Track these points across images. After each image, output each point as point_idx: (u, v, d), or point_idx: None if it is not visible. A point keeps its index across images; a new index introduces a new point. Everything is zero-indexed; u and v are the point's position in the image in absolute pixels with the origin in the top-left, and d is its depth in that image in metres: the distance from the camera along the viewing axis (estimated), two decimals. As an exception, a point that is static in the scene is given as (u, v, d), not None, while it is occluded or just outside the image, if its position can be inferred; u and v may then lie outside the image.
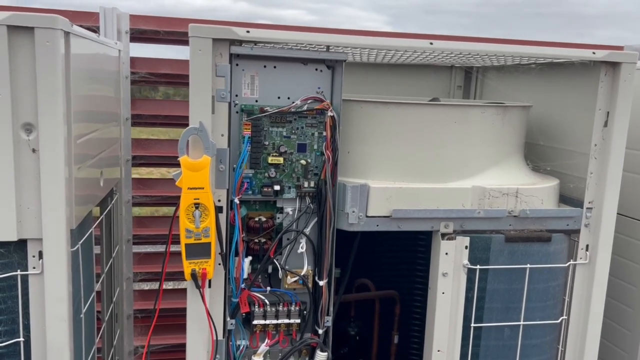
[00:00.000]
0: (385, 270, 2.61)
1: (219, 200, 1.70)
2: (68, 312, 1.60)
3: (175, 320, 3.17)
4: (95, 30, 2.81)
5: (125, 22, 2.93)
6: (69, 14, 2.99)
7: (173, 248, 1.78)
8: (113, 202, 2.44)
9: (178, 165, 1.58)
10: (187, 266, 1.62)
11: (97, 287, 2.32)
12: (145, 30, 3.06)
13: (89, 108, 1.85)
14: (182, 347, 1.84)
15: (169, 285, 3.51)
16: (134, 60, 3.00)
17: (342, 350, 2.59)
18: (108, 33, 2.84)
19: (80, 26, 2.68)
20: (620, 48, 3.11)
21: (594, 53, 1.84)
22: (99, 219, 2.15)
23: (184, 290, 1.75)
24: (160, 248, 3.35)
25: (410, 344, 2.56)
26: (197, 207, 1.58)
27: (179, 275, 3.00)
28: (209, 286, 1.71)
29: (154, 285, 3.62)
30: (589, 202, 1.95)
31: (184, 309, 1.76)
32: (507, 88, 2.52)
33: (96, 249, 2.44)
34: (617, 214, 1.97)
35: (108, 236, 2.44)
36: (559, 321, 2.02)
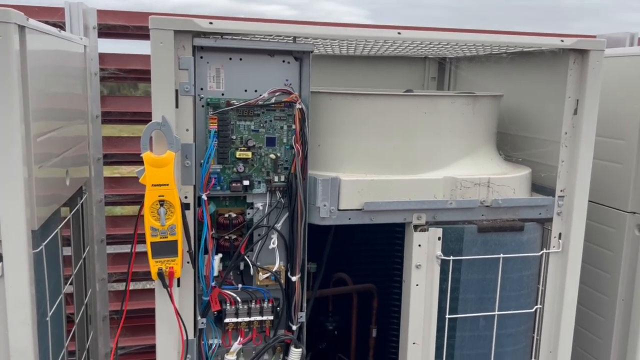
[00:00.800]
0: (362, 263, 2.60)
1: (186, 197, 1.66)
2: (31, 316, 1.55)
3: (152, 321, 3.13)
4: (61, 26, 2.74)
5: (93, 18, 2.86)
6: (34, 9, 2.91)
7: (143, 248, 1.75)
8: (82, 201, 2.38)
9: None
10: (154, 265, 1.58)
11: (68, 288, 2.27)
12: (114, 25, 2.99)
13: (50, 105, 1.80)
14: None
15: (142, 285, 3.46)
16: (102, 57, 2.94)
17: (320, 345, 2.57)
18: (74, 29, 2.77)
19: (46, 22, 2.61)
20: (592, 37, 3.13)
21: (562, 41, 1.83)
22: (66, 219, 2.09)
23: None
24: (137, 248, 3.29)
25: (388, 337, 2.55)
26: (162, 205, 1.54)
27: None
28: (178, 285, 1.68)
29: (131, 286, 3.56)
30: (561, 191, 1.95)
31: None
32: (479, 78, 2.51)
33: (68, 250, 2.39)
34: (589, 201, 1.98)
35: (78, 237, 2.39)
36: (533, 310, 2.02)
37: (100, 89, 2.91)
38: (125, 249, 3.29)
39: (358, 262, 2.61)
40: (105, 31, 2.96)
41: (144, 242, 1.74)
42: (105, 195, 2.99)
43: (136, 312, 3.14)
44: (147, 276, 3.20)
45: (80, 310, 2.39)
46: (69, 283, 2.17)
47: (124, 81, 3.13)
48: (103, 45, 2.94)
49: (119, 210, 3.58)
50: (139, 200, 3.17)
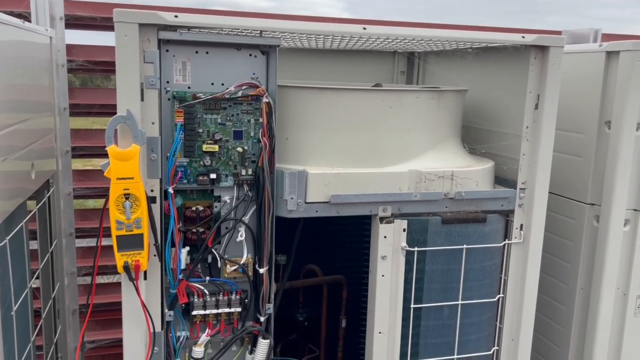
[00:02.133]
0: (332, 255, 2.63)
1: (152, 190, 1.66)
2: (-5, 310, 1.54)
3: (121, 314, 3.12)
4: (26, 16, 2.70)
5: (60, 8, 2.82)
6: (-3, -1, 2.86)
7: (110, 241, 1.74)
8: (49, 194, 2.36)
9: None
10: (120, 258, 1.58)
11: (35, 283, 2.25)
12: (81, 16, 2.95)
13: (13, 97, 1.77)
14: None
15: (111, 279, 3.43)
16: (70, 48, 2.90)
17: (290, 336, 2.60)
18: (40, 19, 2.73)
19: (11, 12, 2.56)
20: (559, 33, 3.20)
21: (523, 37, 1.88)
22: (32, 213, 2.07)
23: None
24: (105, 241, 3.26)
25: (358, 327, 2.59)
26: (127, 198, 1.54)
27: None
28: (145, 278, 1.68)
29: (101, 279, 3.54)
30: (522, 183, 2.01)
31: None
32: (447, 73, 2.56)
33: (34, 244, 2.37)
34: (551, 193, 2.04)
35: (45, 230, 2.37)
36: (495, 299, 2.08)
37: (72, 80, 2.87)
38: (93, 242, 3.26)
39: (328, 254, 2.64)
40: (73, 22, 2.92)
41: (110, 234, 1.73)
42: (74, 188, 2.96)
43: (106, 305, 3.13)
44: (116, 270, 3.18)
45: (48, 305, 2.37)
46: (35, 277, 2.15)
47: (93, 73, 3.10)
48: (70, 37, 2.90)
49: (91, 203, 3.54)
50: (102, 194, 3.15)
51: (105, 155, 1.53)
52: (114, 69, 3.14)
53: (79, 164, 3.18)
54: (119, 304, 3.15)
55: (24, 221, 1.89)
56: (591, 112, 2.22)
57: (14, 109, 1.77)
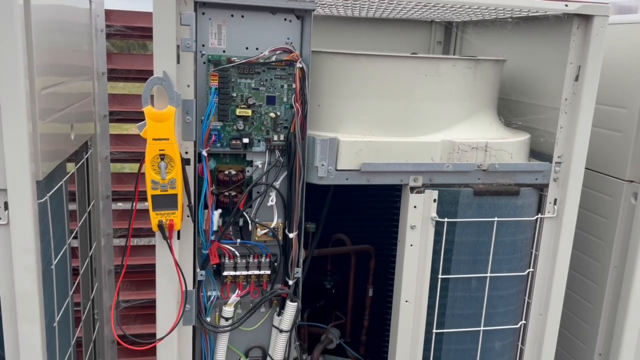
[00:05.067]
0: (361, 225, 2.64)
1: (186, 153, 1.69)
2: (36, 263, 1.61)
3: (154, 276, 3.21)
4: (67, -19, 2.73)
5: (99, -27, 2.85)
6: (39, -36, 2.90)
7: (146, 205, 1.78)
8: (87, 156, 2.42)
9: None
10: (154, 217, 1.63)
11: (73, 243, 2.34)
12: (120, -19, 2.98)
13: (54, 61, 1.81)
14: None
15: (146, 241, 3.53)
16: (108, 13, 2.94)
17: (318, 303, 2.64)
18: (80, -16, 2.76)
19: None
20: (604, 3, 3.08)
21: (566, 5, 1.82)
22: (71, 173, 2.14)
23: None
24: (140, 204, 3.36)
25: (384, 297, 2.61)
26: (162, 159, 1.58)
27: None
28: (178, 238, 1.73)
29: (135, 242, 3.64)
30: (558, 157, 1.97)
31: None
32: (485, 44, 2.49)
33: (73, 207, 2.45)
34: (586, 169, 1.99)
35: (83, 191, 2.44)
36: (525, 273, 2.06)
37: (108, 46, 2.92)
38: (129, 205, 3.35)
39: (357, 224, 2.65)
40: (112, -13, 2.95)
41: (146, 199, 1.78)
42: (111, 152, 3.03)
43: (140, 267, 3.23)
44: (150, 232, 3.27)
45: (85, 263, 2.46)
46: (72, 236, 2.23)
47: (130, 39, 3.14)
48: (109, 2, 2.94)
49: (126, 167, 3.63)
50: (139, 158, 3.21)
51: (139, 120, 1.57)
52: (151, 35, 3.16)
53: (116, 129, 3.25)
54: (153, 266, 3.25)
55: (64, 180, 1.95)
56: (634, 87, 2.14)
57: (54, 72, 1.81)
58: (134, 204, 1.73)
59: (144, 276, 3.26)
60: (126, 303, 3.35)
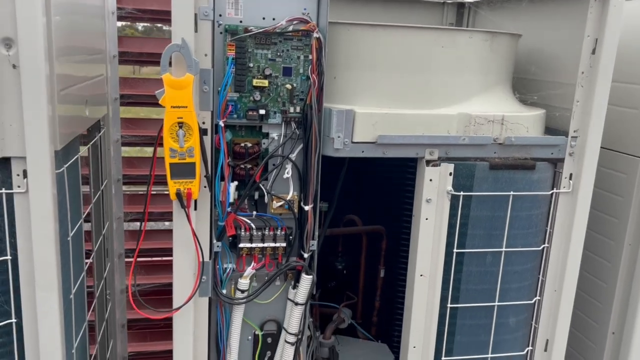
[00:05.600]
0: (373, 207, 2.64)
1: (204, 123, 1.69)
2: (54, 232, 1.61)
3: (164, 261, 3.22)
4: (78, -37, 2.74)
5: (110, -45, 2.85)
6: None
7: (159, 188, 1.77)
8: (100, 135, 2.43)
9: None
10: (172, 186, 1.63)
11: (86, 226, 2.34)
12: (131, -36, 2.98)
13: (71, 38, 1.82)
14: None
15: (156, 226, 3.54)
16: (120, -5, 2.94)
17: (330, 283, 2.65)
18: (92, -35, 2.76)
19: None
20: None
21: (584, -23, 1.81)
22: (86, 148, 2.14)
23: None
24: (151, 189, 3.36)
25: (396, 277, 2.61)
26: (180, 127, 1.58)
27: (168, 216, 3.02)
28: (195, 208, 1.73)
29: (146, 225, 3.64)
30: (574, 131, 1.96)
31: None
32: (498, 24, 2.48)
33: (85, 189, 2.45)
34: (602, 147, 1.99)
35: (96, 172, 2.44)
36: (540, 248, 2.05)
37: (122, 27, 2.92)
38: (141, 189, 3.36)
39: (369, 206, 2.65)
40: (123, -30, 2.95)
41: (159, 183, 1.75)
42: (122, 136, 3.04)
43: (150, 251, 3.23)
44: (162, 216, 3.28)
45: (97, 247, 2.47)
46: (85, 217, 2.23)
47: (141, 21, 3.14)
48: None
49: (136, 151, 3.63)
50: (154, 142, 3.22)
51: (149, 104, 1.57)
52: (161, 18, 3.17)
53: (127, 113, 3.26)
54: (163, 250, 3.25)
55: (79, 154, 1.96)
56: (650, 63, 2.14)
57: (71, 40, 1.81)
58: (149, 187, 1.73)
59: (154, 261, 3.27)
60: (137, 287, 3.36)
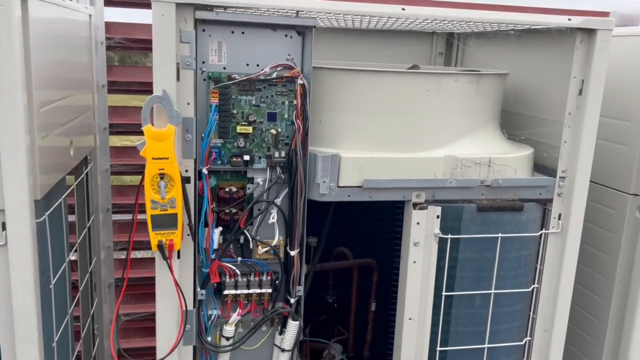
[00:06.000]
0: (364, 239, 2.62)
1: (187, 171, 1.67)
2: (34, 284, 1.59)
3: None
4: (67, -6, 2.73)
5: (99, -14, 2.84)
6: (39, -23, 2.90)
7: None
8: (87, 170, 2.41)
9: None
10: (154, 237, 1.61)
11: (73, 256, 2.32)
12: (120, -6, 2.98)
13: (54, 74, 1.80)
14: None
15: (147, 254, 3.51)
16: (109, 26, 2.93)
17: (320, 318, 2.62)
18: (80, -3, 2.75)
19: (50, -9, 2.58)
20: (607, 14, 3.06)
21: (569, 19, 1.80)
22: (71, 188, 2.12)
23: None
24: (141, 217, 3.34)
25: (387, 312, 2.59)
26: (162, 178, 1.56)
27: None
28: (178, 257, 1.71)
29: (137, 254, 3.62)
30: (562, 171, 1.95)
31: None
32: (486, 55, 2.48)
33: (74, 218, 2.43)
34: (591, 182, 1.97)
35: (83, 205, 2.42)
36: (530, 289, 2.03)
37: (111, 57, 2.91)
38: (129, 217, 3.33)
39: (359, 238, 2.63)
40: (113, 0, 2.94)
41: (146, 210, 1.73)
42: (111, 165, 3.02)
43: (142, 280, 3.20)
44: (148, 245, 3.25)
45: (85, 278, 2.44)
46: (73, 250, 2.21)
47: (131, 50, 3.12)
48: (109, 14, 2.93)
49: (128, 179, 3.61)
50: (139, 170, 3.20)
51: (142, 132, 1.56)
52: (151, 47, 3.16)
53: (117, 141, 3.24)
54: (154, 278, 3.21)
55: (63, 197, 1.94)
56: (638, 99, 2.12)
57: (54, 86, 1.80)
58: (135, 216, 1.71)
59: (145, 289, 3.23)
60: (127, 316, 3.33)
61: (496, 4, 2.81)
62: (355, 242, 2.61)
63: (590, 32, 1.84)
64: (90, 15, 2.50)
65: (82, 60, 2.33)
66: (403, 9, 1.71)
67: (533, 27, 2.03)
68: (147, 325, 3.32)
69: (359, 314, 2.63)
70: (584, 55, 1.86)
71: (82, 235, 2.38)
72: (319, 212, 2.02)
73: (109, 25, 2.92)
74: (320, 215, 2.09)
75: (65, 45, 2.03)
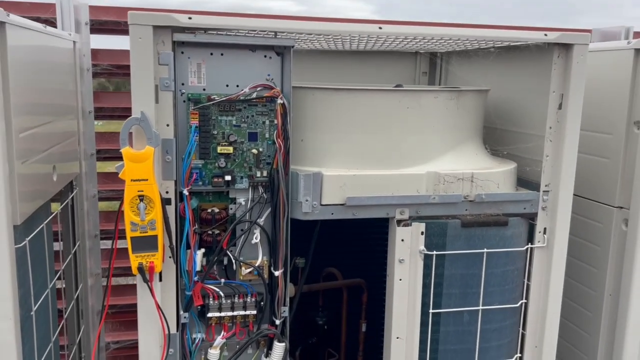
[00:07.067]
0: (352, 258, 2.60)
1: (167, 192, 1.67)
2: (13, 311, 1.57)
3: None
4: (53, 22, 2.75)
5: (85, 13, 2.86)
6: (26, 5, 2.93)
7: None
8: (72, 196, 2.39)
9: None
10: (134, 260, 1.59)
11: (59, 283, 2.29)
12: (106, 21, 3.00)
13: (34, 101, 1.80)
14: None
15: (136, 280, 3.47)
16: (95, 52, 2.95)
17: (310, 340, 2.58)
18: (66, 25, 2.77)
19: (37, 18, 2.61)
20: (589, 32, 3.10)
21: (546, 35, 1.83)
22: (54, 214, 2.11)
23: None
24: (125, 244, 3.30)
25: (378, 332, 2.55)
26: (141, 200, 1.55)
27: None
28: (160, 280, 1.69)
29: (125, 281, 3.58)
30: (546, 185, 1.95)
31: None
32: (469, 73, 2.50)
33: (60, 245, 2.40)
34: (577, 196, 1.97)
35: (67, 232, 2.40)
36: (518, 305, 2.02)
37: (105, 85, 2.92)
38: (121, 244, 3.29)
39: (348, 257, 2.61)
40: (98, 27, 2.97)
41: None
42: (99, 191, 3.00)
43: (130, 306, 3.16)
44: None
45: (70, 305, 2.41)
46: (56, 277, 2.18)
47: (117, 77, 3.14)
48: (96, 41, 2.95)
49: (117, 205, 3.60)
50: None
51: (120, 158, 1.56)
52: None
53: (104, 167, 3.23)
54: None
55: (45, 222, 1.92)
56: (619, 112, 2.14)
57: (35, 112, 1.80)
58: (114, 242, 1.70)
59: (133, 316, 3.18)
60: (116, 344, 3.28)
61: (476, 23, 2.84)
62: (344, 261, 2.59)
63: (567, 47, 1.86)
64: (74, 42, 2.51)
65: (65, 87, 2.34)
66: (380, 28, 1.73)
67: (512, 44, 2.05)
68: (135, 352, 3.27)
69: (350, 335, 2.60)
70: (562, 69, 1.88)
71: (67, 262, 2.35)
72: (305, 232, 2.01)
73: (95, 52, 2.93)
74: (306, 236, 2.08)
75: (47, 71, 2.03)
